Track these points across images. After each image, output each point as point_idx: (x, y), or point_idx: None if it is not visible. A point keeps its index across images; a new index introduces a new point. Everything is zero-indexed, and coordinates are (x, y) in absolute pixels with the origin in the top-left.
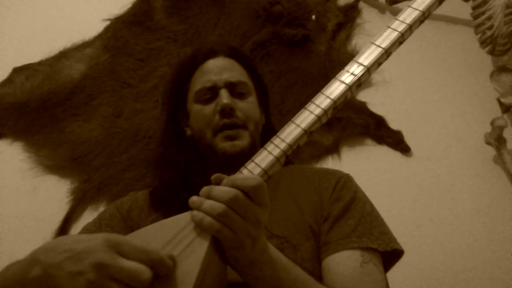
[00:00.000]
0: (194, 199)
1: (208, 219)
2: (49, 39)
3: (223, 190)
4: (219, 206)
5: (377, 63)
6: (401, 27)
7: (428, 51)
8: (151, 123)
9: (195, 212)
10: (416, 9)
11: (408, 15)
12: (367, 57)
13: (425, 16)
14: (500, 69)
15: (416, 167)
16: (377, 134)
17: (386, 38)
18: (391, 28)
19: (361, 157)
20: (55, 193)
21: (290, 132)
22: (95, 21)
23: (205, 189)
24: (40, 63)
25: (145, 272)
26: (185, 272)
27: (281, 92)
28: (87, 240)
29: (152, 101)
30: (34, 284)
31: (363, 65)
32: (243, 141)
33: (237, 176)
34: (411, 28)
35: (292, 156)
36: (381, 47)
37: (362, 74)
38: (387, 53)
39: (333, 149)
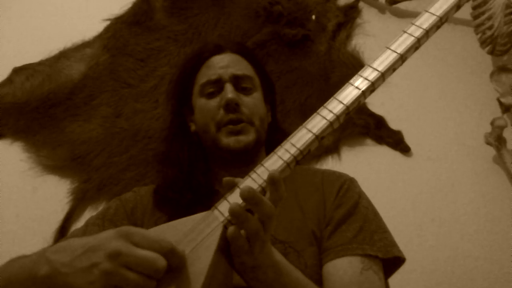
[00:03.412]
0: (238, 209)
1: (242, 240)
2: (49, 39)
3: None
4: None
5: (392, 68)
6: (418, 32)
7: (428, 51)
8: (151, 123)
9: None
10: (434, 14)
11: (425, 20)
12: (381, 62)
13: (442, 21)
14: (500, 69)
15: (416, 167)
16: (377, 134)
17: (402, 43)
18: (407, 33)
19: (361, 157)
20: (55, 193)
21: (301, 137)
22: (95, 21)
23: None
24: (40, 63)
25: (160, 260)
26: (192, 276)
27: (281, 92)
28: (99, 236)
29: (152, 101)
30: (42, 283)
31: (377, 70)
32: (248, 137)
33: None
34: (427, 33)
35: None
36: (396, 52)
37: (376, 80)
38: (402, 58)
39: (333, 149)
